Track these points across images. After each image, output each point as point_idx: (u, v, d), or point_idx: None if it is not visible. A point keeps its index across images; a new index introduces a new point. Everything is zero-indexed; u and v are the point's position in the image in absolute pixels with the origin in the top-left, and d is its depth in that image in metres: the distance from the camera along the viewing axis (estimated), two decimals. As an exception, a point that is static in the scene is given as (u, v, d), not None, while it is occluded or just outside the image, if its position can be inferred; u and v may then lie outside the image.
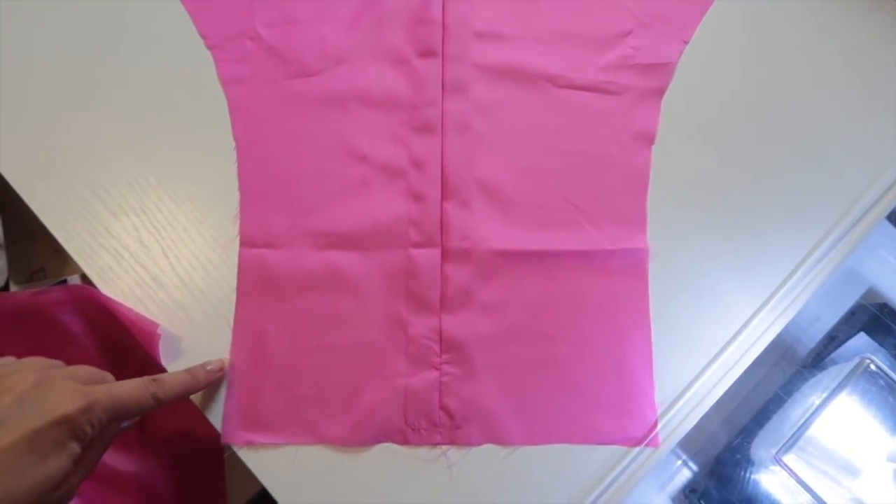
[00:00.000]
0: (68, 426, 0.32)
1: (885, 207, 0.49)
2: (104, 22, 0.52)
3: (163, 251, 0.47)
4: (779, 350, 0.54)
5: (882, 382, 0.48)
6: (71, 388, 0.33)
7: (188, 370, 0.42)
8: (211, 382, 0.43)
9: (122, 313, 0.45)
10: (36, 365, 0.35)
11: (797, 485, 0.46)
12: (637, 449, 0.44)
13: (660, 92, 0.51)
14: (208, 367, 0.43)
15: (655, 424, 0.44)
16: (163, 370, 0.45)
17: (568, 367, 0.45)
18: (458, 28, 0.51)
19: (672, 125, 0.50)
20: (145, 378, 0.37)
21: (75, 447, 0.32)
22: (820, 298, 0.55)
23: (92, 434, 0.33)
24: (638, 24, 0.52)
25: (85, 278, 0.47)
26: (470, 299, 0.46)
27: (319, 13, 0.52)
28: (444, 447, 0.44)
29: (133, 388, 0.36)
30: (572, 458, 0.44)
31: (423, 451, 0.44)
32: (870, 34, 0.53)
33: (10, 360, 0.36)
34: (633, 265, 0.47)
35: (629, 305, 0.47)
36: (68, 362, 0.47)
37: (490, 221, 0.48)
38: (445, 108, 0.49)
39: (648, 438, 0.44)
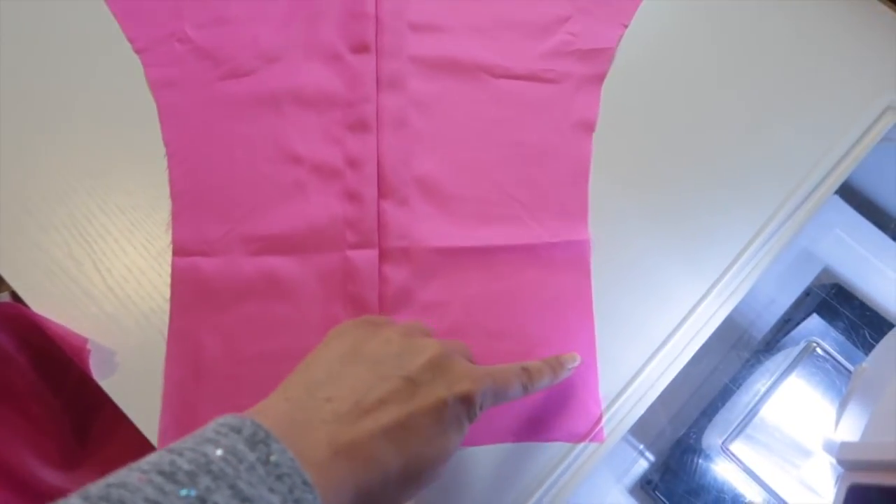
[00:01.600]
0: (467, 404, 0.32)
1: (832, 185, 0.49)
2: (27, 29, 0.51)
3: (94, 264, 0.46)
4: (733, 336, 0.53)
5: (829, 365, 0.47)
6: (469, 366, 0.33)
7: (547, 362, 0.40)
8: (565, 377, 0.41)
9: (51, 329, 0.44)
10: (427, 330, 0.36)
11: (744, 472, 0.45)
12: (582, 444, 0.43)
13: (599, 78, 0.50)
14: (563, 361, 0.41)
15: (600, 419, 0.44)
16: (98, 386, 0.44)
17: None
18: (393, 20, 0.50)
19: (612, 112, 0.49)
20: (516, 365, 0.37)
21: (467, 426, 0.32)
22: (776, 281, 0.54)
23: (478, 416, 0.33)
24: (576, 10, 0.51)
25: (15, 296, 0.46)
26: (410, 299, 0.45)
27: (250, 12, 0.51)
28: (386, 452, 0.43)
29: (512, 376, 0.36)
30: (517, 457, 0.43)
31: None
32: (811, 10, 0.52)
33: (385, 319, 0.36)
34: (574, 257, 0.46)
35: (572, 299, 0.46)
36: (5, 382, 0.47)
37: (429, 219, 0.47)
38: (381, 104, 0.48)
39: (592, 434, 0.43)
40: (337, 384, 0.30)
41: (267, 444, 0.25)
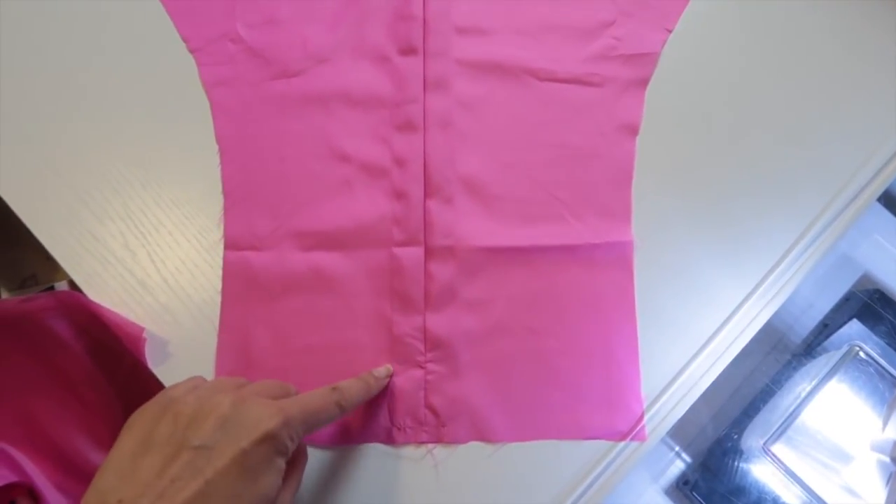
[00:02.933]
0: (272, 443, 0.32)
1: (874, 191, 0.49)
2: (87, 27, 0.53)
3: (148, 255, 0.48)
4: (772, 339, 0.53)
5: (871, 370, 0.47)
6: (265, 404, 0.33)
7: (360, 378, 0.41)
8: (381, 388, 0.43)
9: (108, 318, 0.45)
10: (226, 385, 0.35)
11: (785, 474, 0.46)
12: (623, 443, 0.44)
13: (643, 82, 0.51)
14: (376, 374, 0.43)
15: (641, 418, 0.44)
16: (151, 374, 0.45)
17: (553, 363, 0.45)
18: (439, 23, 0.51)
19: (656, 115, 0.50)
20: (326, 388, 0.38)
21: (280, 462, 0.33)
22: (814, 285, 0.54)
23: (291, 448, 0.33)
24: (620, 14, 0.52)
25: (73, 284, 0.48)
26: (454, 297, 0.46)
27: (301, 13, 0.52)
28: (430, 446, 0.44)
29: (319, 399, 0.36)
30: (558, 454, 0.44)
31: (409, 450, 0.44)
32: (857, 15, 0.52)
33: (197, 380, 0.36)
34: (617, 258, 0.47)
35: (614, 298, 0.46)
36: (59, 368, 0.49)
37: (473, 218, 0.47)
38: (427, 104, 0.49)
39: (634, 432, 0.44)
40: (128, 482, 0.30)
41: None
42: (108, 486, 0.30)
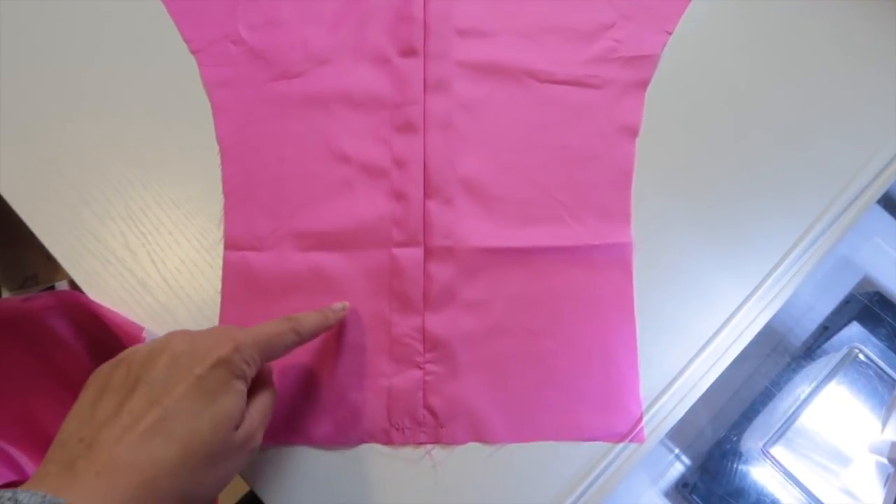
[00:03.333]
0: (226, 366, 0.33)
1: (874, 193, 0.49)
2: (89, 27, 0.53)
3: (149, 255, 0.48)
4: (772, 341, 0.53)
5: (871, 372, 0.47)
6: (216, 333, 0.35)
7: (318, 310, 0.42)
8: (338, 320, 0.43)
9: (109, 317, 0.45)
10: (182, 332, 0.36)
11: (784, 476, 0.46)
12: (622, 444, 0.44)
13: (643, 84, 0.51)
14: (333, 307, 0.43)
15: (640, 419, 0.44)
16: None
17: (552, 364, 0.45)
18: (440, 25, 0.51)
19: (656, 116, 0.50)
20: (281, 317, 0.39)
21: (238, 385, 0.34)
22: (814, 288, 0.54)
23: (249, 373, 0.35)
24: (620, 16, 0.52)
25: (73, 284, 0.48)
26: (453, 297, 0.46)
27: (302, 14, 0.53)
28: (429, 446, 0.44)
29: (273, 326, 0.38)
30: (557, 455, 0.44)
31: (408, 451, 0.44)
32: (856, 17, 0.52)
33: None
34: (616, 259, 0.47)
35: (613, 300, 0.46)
36: (59, 367, 0.49)
37: (473, 219, 0.48)
38: (427, 106, 0.49)
39: (633, 434, 0.44)
40: (88, 424, 0.31)
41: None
42: (68, 432, 0.31)
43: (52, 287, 0.55)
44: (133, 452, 0.30)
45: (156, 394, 0.31)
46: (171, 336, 0.35)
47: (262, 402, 0.37)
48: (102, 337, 0.47)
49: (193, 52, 0.52)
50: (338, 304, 0.44)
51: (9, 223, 0.49)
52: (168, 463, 0.30)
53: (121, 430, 0.30)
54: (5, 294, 0.56)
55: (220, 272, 0.47)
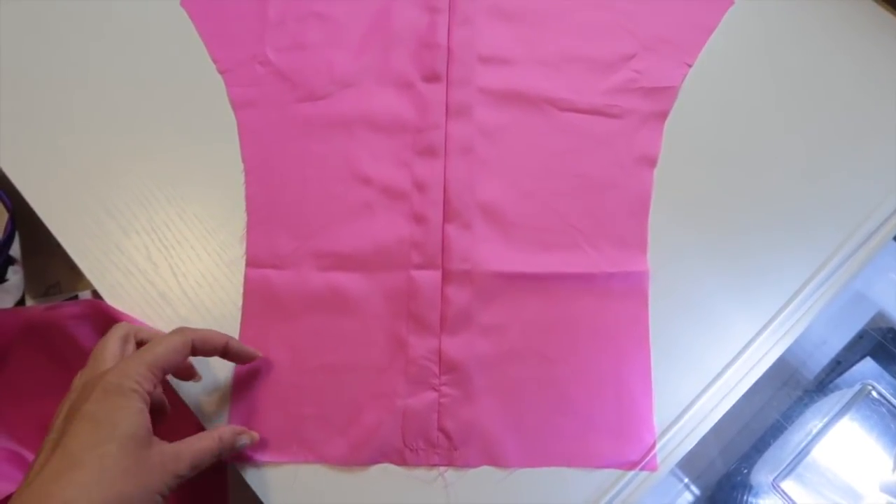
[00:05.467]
0: (114, 391, 0.35)
1: (890, 230, 0.49)
2: (120, 45, 0.54)
3: (171, 268, 0.49)
4: (784, 374, 0.53)
5: (884, 409, 0.47)
6: (109, 367, 0.37)
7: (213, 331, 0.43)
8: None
9: (132, 328, 0.46)
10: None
11: (795, 511, 0.46)
12: (634, 472, 0.44)
13: (662, 115, 0.51)
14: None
15: (653, 447, 0.44)
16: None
17: (566, 390, 0.46)
18: (463, 52, 0.52)
19: (675, 147, 0.51)
20: (173, 330, 0.41)
21: (135, 403, 0.35)
22: (828, 322, 0.54)
23: (145, 386, 0.36)
24: (641, 48, 0.53)
25: (96, 293, 0.49)
26: (470, 321, 0.47)
27: (328, 38, 0.54)
28: (442, 468, 0.44)
29: (164, 341, 0.39)
30: (569, 481, 0.44)
31: (421, 472, 0.44)
32: (874, 56, 0.53)
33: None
34: (632, 287, 0.47)
35: (628, 328, 0.47)
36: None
37: (491, 243, 0.48)
38: (449, 131, 0.50)
39: (645, 462, 0.44)
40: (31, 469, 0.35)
41: None
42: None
43: (76, 296, 0.55)
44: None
45: (58, 439, 0.34)
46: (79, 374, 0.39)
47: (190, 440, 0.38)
48: (124, 347, 0.47)
49: (221, 72, 0.53)
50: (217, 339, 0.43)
51: (33, 232, 0.50)
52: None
53: (40, 469, 0.33)
54: (29, 302, 0.57)
55: (239, 288, 0.48)
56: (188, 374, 0.44)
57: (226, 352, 0.42)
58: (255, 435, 0.43)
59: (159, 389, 0.41)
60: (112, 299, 0.48)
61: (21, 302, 0.55)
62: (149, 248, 0.49)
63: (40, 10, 0.55)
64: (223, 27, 0.55)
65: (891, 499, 0.33)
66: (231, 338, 0.43)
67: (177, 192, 0.51)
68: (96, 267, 0.49)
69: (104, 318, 0.47)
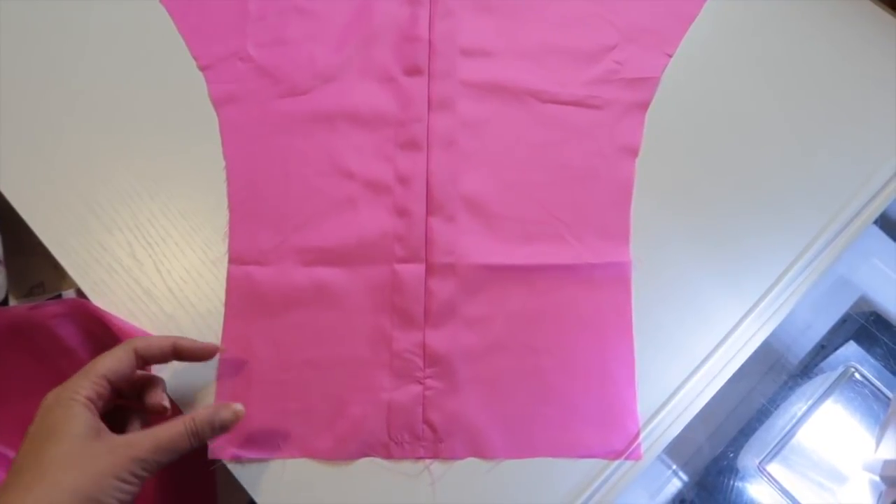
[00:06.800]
0: (57, 404, 0.36)
1: (871, 214, 0.49)
2: (101, 43, 0.54)
3: (155, 265, 0.49)
4: (769, 359, 0.54)
5: (867, 391, 0.48)
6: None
7: (164, 336, 0.43)
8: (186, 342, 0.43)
9: (116, 324, 0.46)
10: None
11: (780, 493, 0.46)
12: (619, 461, 0.44)
13: (644, 105, 0.52)
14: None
15: (637, 437, 0.44)
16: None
17: (551, 381, 0.46)
18: (445, 45, 0.52)
19: (656, 137, 0.51)
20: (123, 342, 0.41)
21: (78, 410, 0.36)
22: (812, 307, 0.55)
23: (88, 394, 0.37)
24: (622, 39, 0.53)
25: (80, 292, 0.49)
26: (454, 313, 0.47)
27: (309, 32, 0.54)
28: (428, 461, 0.44)
29: (111, 353, 0.40)
30: (555, 471, 0.44)
31: (407, 465, 0.44)
32: (853, 41, 0.53)
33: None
34: (615, 277, 0.48)
35: (612, 318, 0.47)
36: (64, 374, 0.49)
37: (474, 236, 0.48)
38: (431, 124, 0.50)
39: (630, 451, 0.44)
40: None
41: None
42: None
43: (60, 295, 0.55)
44: None
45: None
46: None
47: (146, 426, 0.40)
48: (110, 344, 0.47)
49: (202, 68, 0.53)
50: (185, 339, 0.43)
51: (16, 231, 0.50)
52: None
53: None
54: (12, 302, 0.57)
55: (224, 283, 0.48)
56: (155, 406, 0.42)
57: (178, 352, 0.42)
58: (239, 407, 0.41)
59: (167, 401, 0.41)
60: (96, 297, 0.48)
61: (4, 302, 0.55)
62: (132, 245, 0.49)
63: (20, 9, 0.55)
64: (203, 23, 0.54)
65: (873, 476, 0.33)
66: (179, 337, 0.42)
67: (160, 188, 0.51)
68: (79, 265, 0.49)
69: (88, 318, 0.47)
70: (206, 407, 0.40)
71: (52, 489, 0.33)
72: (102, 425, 0.37)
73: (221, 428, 0.40)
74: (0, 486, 0.34)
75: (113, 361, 0.39)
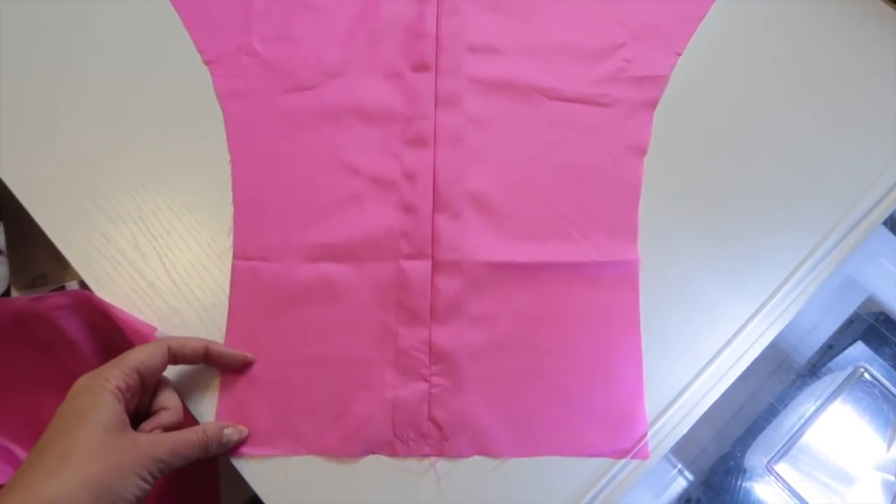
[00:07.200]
0: (87, 391, 0.37)
1: (880, 214, 0.49)
2: (106, 37, 0.54)
3: (159, 258, 0.48)
4: (776, 359, 0.53)
5: (876, 391, 0.47)
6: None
7: (199, 338, 0.44)
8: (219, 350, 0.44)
9: (120, 317, 0.45)
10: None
11: (789, 493, 0.46)
12: (625, 460, 0.44)
13: (652, 104, 0.51)
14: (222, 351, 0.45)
15: (644, 436, 0.44)
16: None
17: (557, 379, 0.45)
18: (452, 42, 0.52)
19: (665, 136, 0.51)
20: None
21: (106, 397, 0.37)
22: (819, 307, 0.55)
23: (115, 383, 0.37)
24: (631, 37, 0.53)
25: (83, 284, 0.48)
26: (460, 311, 0.46)
27: (315, 28, 0.53)
28: (433, 459, 0.44)
29: (144, 348, 0.41)
30: (561, 470, 0.44)
31: (412, 463, 0.44)
32: (862, 42, 0.53)
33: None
34: (623, 276, 0.47)
35: (619, 317, 0.47)
36: (66, 367, 0.49)
37: (481, 233, 0.48)
38: (438, 120, 0.50)
39: (636, 450, 0.44)
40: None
41: None
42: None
43: (63, 287, 0.55)
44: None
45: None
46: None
47: (166, 420, 0.41)
48: (114, 337, 0.47)
49: (207, 63, 0.53)
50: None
51: (19, 222, 0.49)
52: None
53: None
54: (14, 293, 0.57)
55: (229, 276, 0.48)
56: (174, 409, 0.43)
57: (207, 356, 0.43)
58: (244, 429, 0.43)
59: (176, 399, 0.42)
60: (100, 289, 0.48)
61: (6, 294, 0.54)
62: (136, 237, 0.49)
63: (25, 2, 0.55)
64: (209, 18, 0.54)
65: (886, 476, 0.33)
66: (212, 342, 0.44)
67: (164, 182, 0.50)
68: (83, 257, 0.49)
69: (92, 310, 0.47)
70: (215, 424, 0.42)
71: (76, 476, 0.34)
72: (127, 419, 0.37)
73: (226, 446, 0.42)
74: (24, 466, 0.35)
75: (145, 355, 0.40)
